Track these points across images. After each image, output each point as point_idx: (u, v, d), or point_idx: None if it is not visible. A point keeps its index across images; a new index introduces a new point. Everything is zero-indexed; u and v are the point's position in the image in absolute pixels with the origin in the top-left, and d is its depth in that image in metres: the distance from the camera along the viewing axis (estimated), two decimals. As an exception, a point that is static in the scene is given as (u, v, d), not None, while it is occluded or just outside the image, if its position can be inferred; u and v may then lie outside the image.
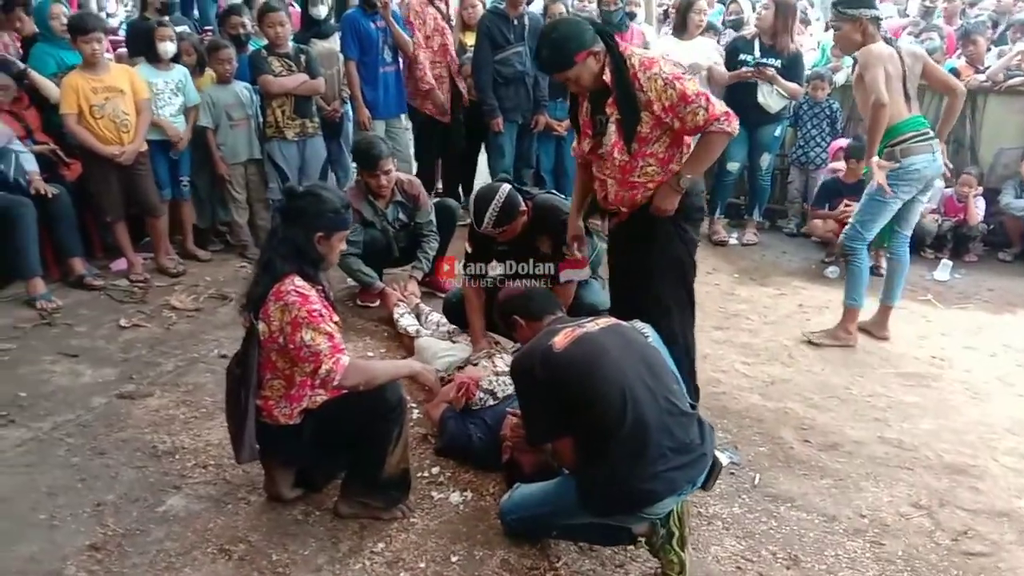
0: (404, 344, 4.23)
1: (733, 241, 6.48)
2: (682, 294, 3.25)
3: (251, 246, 5.67)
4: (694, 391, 3.33)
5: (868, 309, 4.67)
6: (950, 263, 5.93)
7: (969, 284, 5.72)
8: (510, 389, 3.22)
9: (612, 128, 3.01)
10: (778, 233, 6.82)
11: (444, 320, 4.23)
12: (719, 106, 2.93)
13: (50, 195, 4.72)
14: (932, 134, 4.29)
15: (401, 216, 4.74)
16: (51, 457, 3.19)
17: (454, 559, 2.68)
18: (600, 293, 3.89)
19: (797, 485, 3.15)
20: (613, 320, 2.74)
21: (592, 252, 3.81)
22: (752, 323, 4.82)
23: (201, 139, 5.43)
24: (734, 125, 2.96)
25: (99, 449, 3.25)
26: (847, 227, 4.49)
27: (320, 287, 2.70)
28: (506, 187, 3.52)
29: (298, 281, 2.59)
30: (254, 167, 5.58)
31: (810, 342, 4.49)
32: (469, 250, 3.85)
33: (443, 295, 4.88)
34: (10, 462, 3.17)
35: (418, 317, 4.38)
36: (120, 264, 5.29)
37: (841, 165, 6.19)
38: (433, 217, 4.85)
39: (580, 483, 2.53)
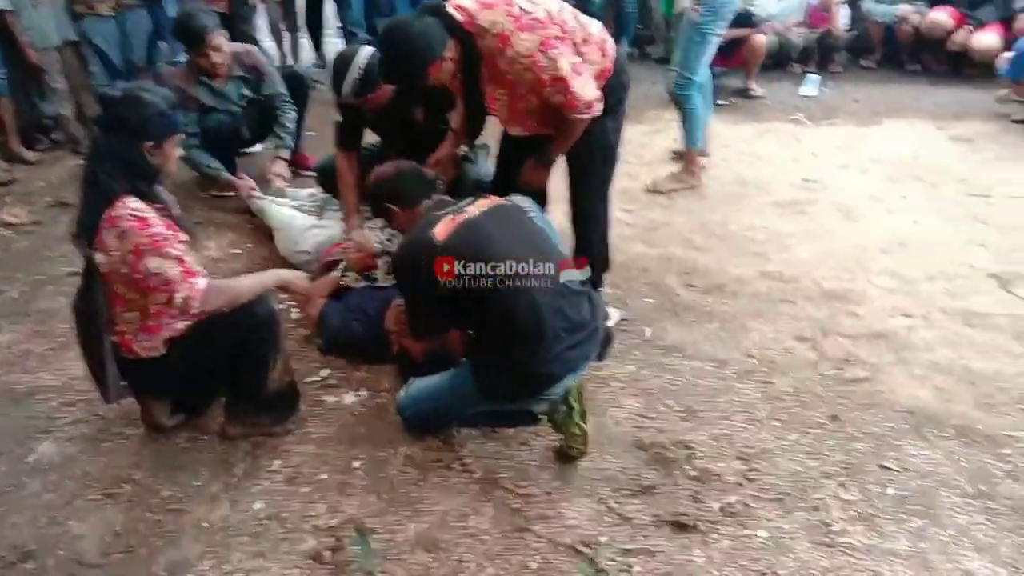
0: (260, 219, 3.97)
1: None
2: (609, 176, 3.08)
3: (82, 141, 5.11)
4: (607, 264, 3.25)
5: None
6: (817, 77, 5.98)
7: (836, 97, 5.81)
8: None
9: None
10: (647, 61, 6.69)
11: (316, 191, 3.95)
12: (581, 91, 2.65)
13: None
14: None
15: (245, 91, 4.29)
16: None
17: (356, 464, 2.60)
18: (485, 164, 3.66)
19: (687, 333, 3.20)
20: (493, 200, 2.58)
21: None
22: (630, 166, 4.73)
23: (3, 24, 4.71)
24: (594, 111, 2.71)
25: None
26: (674, 75, 4.34)
27: (160, 204, 2.41)
28: (367, 50, 3.17)
29: (132, 203, 2.29)
30: (70, 50, 4.94)
31: (656, 190, 4.45)
32: (340, 119, 3.54)
33: (311, 173, 4.57)
34: None
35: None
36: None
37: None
38: (283, 88, 4.39)
39: (477, 373, 2.47)
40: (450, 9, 2.61)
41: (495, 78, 2.71)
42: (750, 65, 5.81)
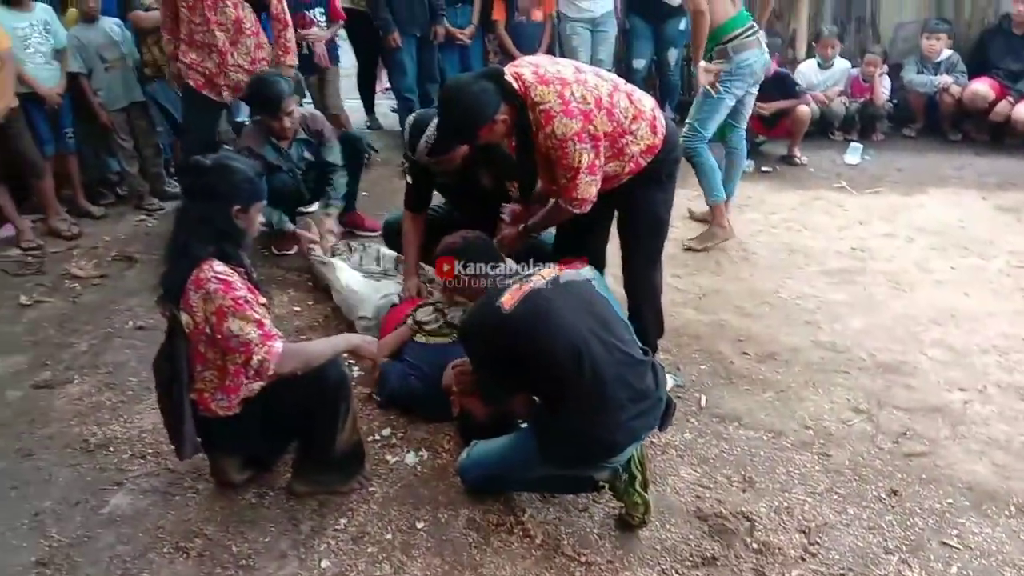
0: (322, 280, 4.08)
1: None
2: (659, 246, 3.20)
3: (146, 195, 5.32)
4: (660, 330, 3.34)
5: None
6: (860, 146, 6.05)
7: (879, 165, 5.87)
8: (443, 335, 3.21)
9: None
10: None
11: (383, 251, 4.07)
12: (582, 189, 2.81)
13: None
14: (757, 28, 4.37)
15: (307, 155, 4.46)
16: (-28, 466, 2.99)
17: (420, 525, 2.65)
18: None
19: (742, 402, 3.23)
20: (558, 269, 2.66)
21: None
22: (676, 230, 4.81)
23: (77, 86, 4.95)
24: (582, 208, 2.88)
25: (25, 450, 3.05)
26: (685, 127, 4.49)
27: (242, 268, 2.52)
28: None
29: (218, 266, 2.41)
30: (138, 110, 5.17)
31: (692, 249, 4.55)
32: (409, 180, 3.66)
33: (371, 234, 4.71)
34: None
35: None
36: (7, 231, 4.89)
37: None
38: (339, 156, 4.56)
39: (540, 438, 2.51)
40: (508, 76, 2.76)
41: (536, 145, 2.84)
42: (794, 134, 5.91)
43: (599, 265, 3.21)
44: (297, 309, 4.00)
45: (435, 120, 3.28)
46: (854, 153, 5.97)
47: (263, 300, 2.52)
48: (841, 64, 6.36)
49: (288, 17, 4.66)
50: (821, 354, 3.54)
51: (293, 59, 4.67)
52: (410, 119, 3.45)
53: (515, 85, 2.74)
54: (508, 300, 2.46)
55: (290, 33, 4.64)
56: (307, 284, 4.26)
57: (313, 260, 4.13)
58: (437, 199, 3.82)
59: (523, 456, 2.58)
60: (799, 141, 5.93)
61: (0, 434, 3.14)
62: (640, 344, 2.63)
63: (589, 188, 2.82)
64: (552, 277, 2.59)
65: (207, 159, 2.55)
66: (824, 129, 6.36)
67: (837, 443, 2.99)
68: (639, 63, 6.21)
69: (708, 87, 4.24)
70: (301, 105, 4.58)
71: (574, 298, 2.54)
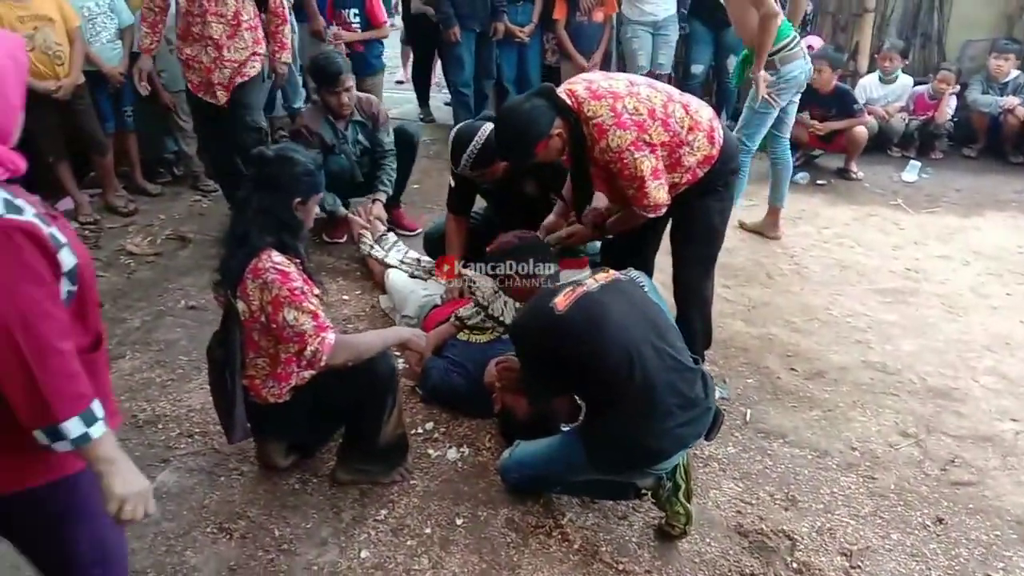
0: (377, 278, 4.11)
1: (701, 146, 6.37)
2: (712, 255, 3.19)
3: (202, 176, 5.40)
4: (708, 340, 3.32)
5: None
6: (918, 163, 5.94)
7: (936, 184, 5.75)
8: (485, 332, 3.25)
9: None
10: (745, 135, 6.74)
11: (424, 256, 4.08)
12: (653, 195, 2.79)
13: None
14: (799, 38, 4.34)
15: (361, 138, 4.49)
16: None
17: (459, 521, 2.67)
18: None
19: (788, 419, 3.19)
20: (611, 274, 2.65)
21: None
22: (728, 240, 4.73)
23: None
24: (657, 212, 2.86)
25: None
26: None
27: (299, 259, 2.55)
28: (488, 127, 3.31)
29: (276, 257, 2.43)
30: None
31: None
32: (452, 184, 3.68)
33: (408, 232, 4.74)
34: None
35: (384, 246, 4.23)
36: (66, 204, 5.00)
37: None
38: (392, 141, 4.59)
39: (587, 442, 2.50)
40: (561, 92, 2.79)
41: (593, 159, 2.85)
42: (850, 152, 5.81)
43: (647, 271, 3.21)
44: (346, 298, 4.03)
45: (479, 134, 3.29)
46: (912, 171, 5.86)
47: (317, 291, 2.55)
48: (904, 80, 6.23)
49: (286, 12, 4.64)
50: (871, 375, 3.48)
51: (288, 56, 4.64)
52: (453, 133, 3.46)
53: (568, 101, 2.76)
54: (562, 302, 2.47)
55: (287, 29, 4.60)
56: (356, 273, 4.30)
57: (363, 249, 4.16)
58: (480, 203, 3.83)
59: (567, 459, 2.58)
60: (856, 157, 5.83)
61: (53, 404, 3.21)
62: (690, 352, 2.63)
63: (659, 193, 2.80)
64: (606, 281, 2.59)
65: (271, 150, 2.58)
66: (882, 145, 6.24)
67: (883, 466, 2.94)
68: (697, 68, 6.15)
69: (767, 97, 4.20)
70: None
71: (627, 302, 2.53)
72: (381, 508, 2.72)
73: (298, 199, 2.51)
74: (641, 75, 5.74)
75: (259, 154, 2.56)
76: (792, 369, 3.52)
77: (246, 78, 4.44)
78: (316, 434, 2.85)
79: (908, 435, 3.11)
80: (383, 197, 4.50)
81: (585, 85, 2.80)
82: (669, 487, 2.53)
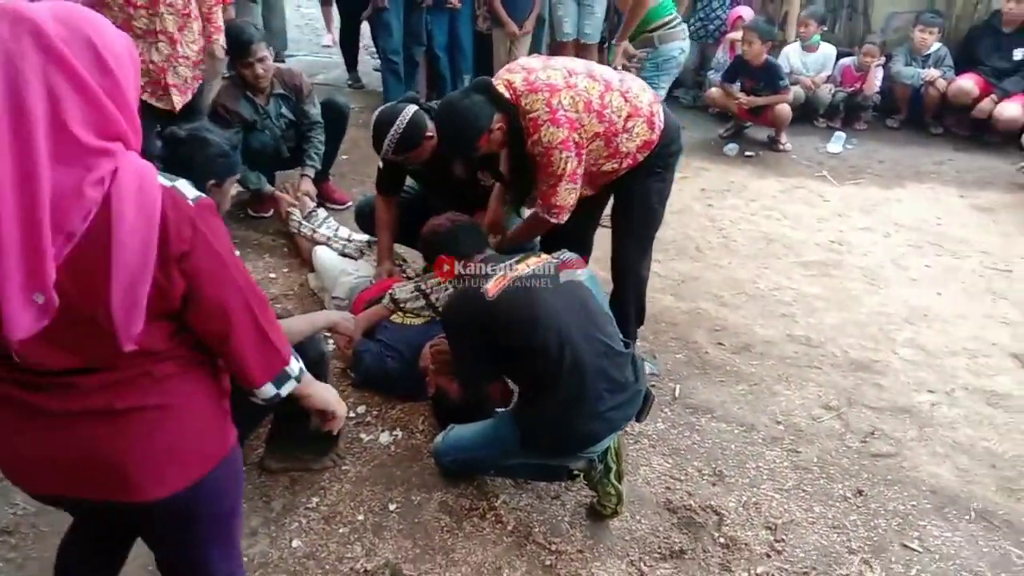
0: (305, 255, 4.02)
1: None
2: (650, 235, 3.20)
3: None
4: (641, 319, 3.35)
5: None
6: (843, 135, 6.07)
7: (861, 155, 5.89)
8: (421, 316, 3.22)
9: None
10: (674, 104, 6.76)
11: (356, 234, 3.99)
12: (562, 196, 2.82)
13: None
14: (680, 19, 4.39)
15: (284, 111, 4.33)
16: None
17: (392, 507, 2.66)
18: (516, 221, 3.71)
19: (715, 394, 3.26)
20: (543, 259, 2.65)
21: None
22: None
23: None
24: (560, 218, 2.88)
25: None
26: None
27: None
28: (410, 109, 3.22)
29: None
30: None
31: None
32: (380, 165, 3.60)
33: (338, 206, 4.64)
34: None
35: (313, 222, 4.13)
36: None
37: (738, 35, 6.10)
38: (318, 113, 4.44)
39: (520, 427, 2.51)
40: (499, 83, 2.77)
41: (526, 151, 2.84)
42: (777, 126, 5.90)
43: (586, 250, 3.22)
44: (273, 276, 3.94)
45: (400, 118, 3.20)
46: (837, 142, 5.99)
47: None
48: (826, 49, 6.34)
49: None
50: (795, 348, 3.57)
51: (224, 39, 4.19)
52: (374, 117, 3.37)
53: (506, 94, 2.74)
54: (493, 288, 2.46)
55: (220, 9, 4.20)
56: (283, 250, 4.20)
57: (291, 226, 4.06)
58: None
59: (500, 443, 2.58)
60: (784, 130, 5.92)
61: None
62: (621, 335, 2.65)
63: (569, 196, 2.83)
64: (537, 266, 2.58)
65: (183, 130, 2.48)
66: (808, 115, 6.36)
67: (807, 440, 3.03)
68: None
69: (621, 68, 4.14)
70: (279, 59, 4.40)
71: (557, 288, 2.53)
72: (312, 496, 2.69)
73: (212, 181, 2.42)
74: (568, 40, 5.75)
75: (171, 134, 2.46)
76: (719, 344, 3.59)
77: (201, 80, 4.14)
78: (242, 421, 2.77)
79: (830, 408, 3.21)
80: (311, 172, 4.37)
81: (523, 76, 2.77)
82: (601, 469, 2.56)
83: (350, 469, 2.80)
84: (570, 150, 2.74)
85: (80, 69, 1.17)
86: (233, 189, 2.58)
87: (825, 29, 6.47)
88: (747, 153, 5.85)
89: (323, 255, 3.80)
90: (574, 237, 3.04)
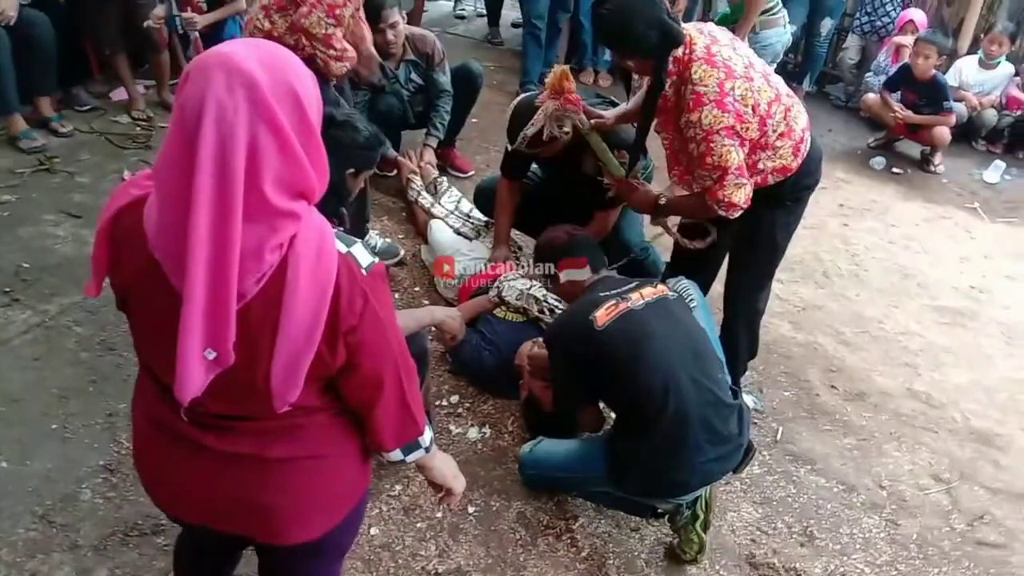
0: (420, 226, 4.01)
1: (776, 113, 6.04)
2: (771, 271, 3.02)
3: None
4: (753, 354, 3.19)
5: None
6: (1003, 163, 5.59)
7: (1019, 190, 5.42)
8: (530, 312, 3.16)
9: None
10: (825, 102, 6.41)
11: (476, 210, 3.94)
12: (730, 191, 2.52)
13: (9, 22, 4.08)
14: (781, 5, 4.24)
15: (414, 77, 4.29)
16: (59, 350, 3.08)
17: (471, 509, 2.66)
18: (636, 226, 3.57)
19: (820, 443, 3.10)
20: (659, 290, 2.54)
21: (645, 171, 3.47)
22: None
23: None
24: (730, 213, 2.59)
25: (109, 343, 3.13)
26: None
27: (341, 226, 2.47)
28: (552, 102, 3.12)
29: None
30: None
31: None
32: (509, 147, 3.52)
33: (460, 174, 4.60)
34: (18, 352, 3.06)
35: (435, 192, 4.12)
36: (121, 94, 4.93)
37: (906, 40, 5.66)
38: (448, 82, 4.36)
39: (610, 460, 2.45)
40: (686, 30, 2.50)
41: (670, 118, 2.64)
42: (934, 146, 5.47)
43: (707, 283, 3.05)
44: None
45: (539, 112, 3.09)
46: (995, 171, 5.52)
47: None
48: (1006, 68, 5.81)
49: None
50: (913, 405, 3.35)
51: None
52: (512, 105, 3.26)
53: (680, 51, 2.49)
54: (603, 316, 2.38)
55: None
56: (401, 214, 4.19)
57: (410, 194, 4.04)
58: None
59: (587, 470, 2.53)
60: (940, 151, 5.49)
61: (88, 321, 3.21)
62: (729, 375, 2.53)
63: (738, 192, 2.54)
64: (652, 298, 2.48)
65: (339, 114, 2.48)
66: (968, 135, 5.88)
67: (909, 512, 2.86)
68: (790, 28, 5.76)
69: None
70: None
71: (671, 325, 2.43)
72: (396, 483, 2.71)
73: (351, 170, 2.42)
74: (715, 21, 5.46)
75: (328, 114, 2.46)
76: (833, 387, 3.40)
77: None
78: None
79: (940, 480, 3.01)
80: (433, 142, 4.34)
81: (707, 43, 2.51)
82: (687, 515, 2.48)
83: (435, 461, 2.81)
84: (733, 139, 2.48)
85: (285, 125, 1.13)
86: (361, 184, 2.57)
87: (1014, 49, 5.92)
88: (894, 169, 5.47)
89: (439, 231, 3.77)
90: (701, 269, 2.92)
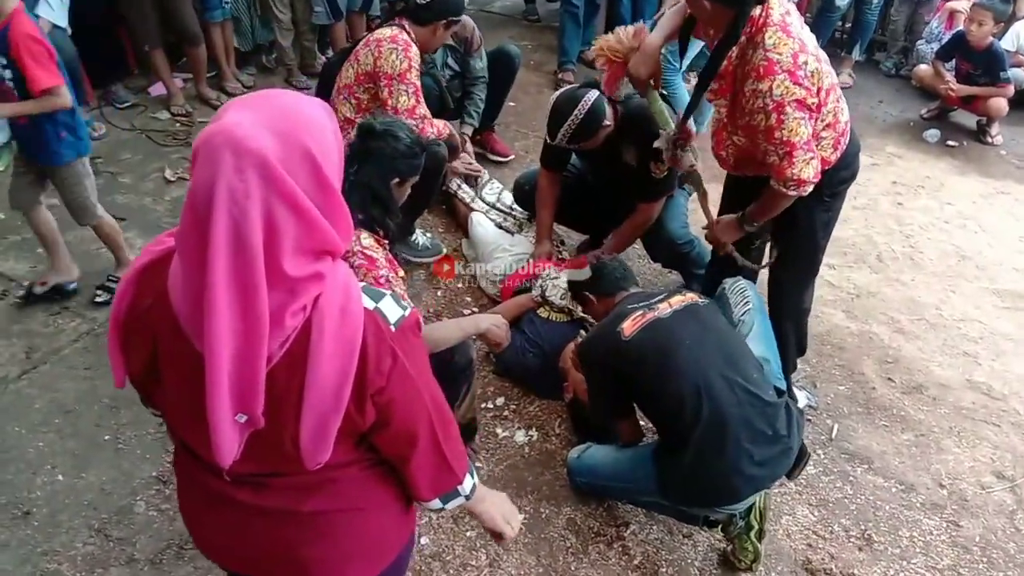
0: (461, 219, 3.96)
1: (825, 83, 5.83)
2: (814, 270, 2.92)
3: (295, 70, 5.25)
4: (802, 351, 3.10)
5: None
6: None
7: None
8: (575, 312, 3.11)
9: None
10: (875, 71, 6.16)
11: (515, 204, 3.87)
12: (799, 167, 2.37)
13: None
14: None
15: (451, 63, 4.20)
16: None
17: (520, 517, 2.61)
18: (681, 217, 3.44)
19: (876, 440, 3.01)
20: (688, 297, 2.49)
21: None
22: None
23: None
24: (801, 191, 2.44)
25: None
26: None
27: (387, 237, 2.44)
28: (591, 96, 3.01)
29: (365, 239, 2.31)
30: (300, -14, 4.96)
31: None
32: (548, 139, 3.44)
33: (501, 158, 4.53)
34: (69, 362, 3.11)
35: (476, 185, 4.06)
36: (159, 89, 4.94)
37: (961, 5, 5.40)
38: (484, 68, 4.24)
39: (659, 473, 2.41)
40: None
41: (729, 83, 2.49)
42: (991, 117, 5.22)
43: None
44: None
45: (580, 106, 3.00)
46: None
47: (402, 273, 2.45)
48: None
49: None
50: (973, 397, 3.24)
51: None
52: (552, 100, 3.17)
53: (758, 10, 2.33)
54: (629, 327, 2.37)
55: None
56: (441, 207, 4.13)
57: (450, 186, 3.98)
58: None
59: (636, 481, 2.50)
60: (996, 122, 5.25)
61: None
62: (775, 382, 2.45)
63: (808, 168, 2.38)
64: (679, 306, 2.44)
65: (379, 123, 2.43)
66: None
67: (971, 512, 2.77)
68: (841, 2, 5.54)
69: None
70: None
71: (700, 330, 2.39)
72: (444, 491, 2.70)
73: (396, 179, 2.38)
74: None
75: (367, 125, 2.42)
76: (889, 379, 3.30)
77: None
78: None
79: (1003, 477, 2.91)
80: (469, 131, 4.26)
81: (783, 11, 2.37)
82: (741, 525, 2.43)
83: (483, 467, 2.80)
84: (804, 112, 2.34)
85: (300, 195, 1.08)
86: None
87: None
88: (949, 142, 5.24)
89: (480, 225, 3.73)
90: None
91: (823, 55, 2.45)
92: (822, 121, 2.48)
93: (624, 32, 2.78)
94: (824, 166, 2.53)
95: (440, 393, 1.38)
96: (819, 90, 2.38)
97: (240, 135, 1.06)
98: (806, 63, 2.32)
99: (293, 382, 1.16)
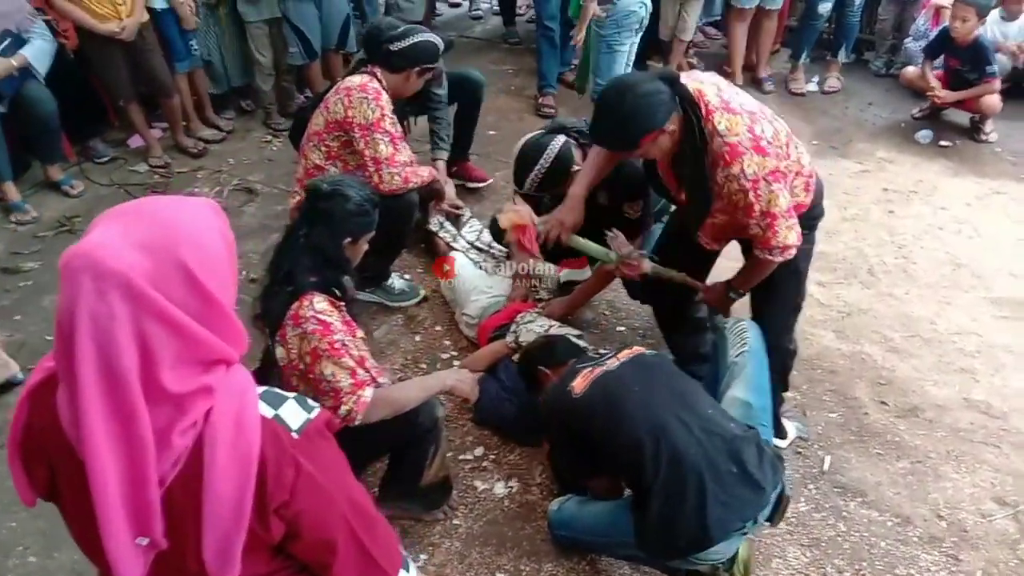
0: (440, 252, 3.88)
1: (813, 88, 5.74)
2: (798, 306, 2.85)
3: (274, 113, 5.21)
4: (784, 388, 3.00)
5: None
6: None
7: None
8: None
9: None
10: (864, 72, 6.05)
11: (495, 243, 3.77)
12: (783, 235, 2.37)
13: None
14: None
15: None
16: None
17: (499, 575, 2.56)
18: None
19: (870, 470, 2.90)
20: (635, 350, 2.46)
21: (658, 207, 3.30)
22: (829, 218, 4.28)
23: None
24: (787, 256, 2.44)
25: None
26: (590, 84, 4.87)
27: (343, 302, 2.37)
28: (556, 143, 2.94)
29: (318, 304, 2.25)
30: (277, 27, 4.90)
31: None
32: (516, 188, 3.36)
33: (479, 184, 4.45)
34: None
35: (456, 222, 3.98)
36: (138, 140, 4.93)
37: (946, 1, 5.27)
38: (446, 90, 4.06)
39: (634, 525, 2.31)
40: (689, 86, 2.34)
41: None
42: (983, 114, 5.08)
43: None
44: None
45: (546, 153, 2.96)
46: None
47: (361, 334, 2.39)
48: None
49: None
50: (971, 417, 3.12)
51: None
52: (518, 146, 3.09)
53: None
54: (579, 384, 2.33)
55: None
56: (420, 246, 4.05)
57: (432, 225, 3.89)
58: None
59: (616, 535, 2.39)
60: (989, 120, 5.10)
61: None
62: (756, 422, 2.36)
63: (791, 233, 2.39)
64: (627, 358, 2.41)
65: (326, 183, 2.37)
66: (1018, 93, 5.41)
67: (972, 544, 2.66)
68: (824, 7, 5.40)
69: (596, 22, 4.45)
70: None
71: (649, 377, 2.35)
72: (421, 552, 2.63)
73: (348, 239, 2.33)
74: (749, 7, 5.18)
75: (313, 187, 2.37)
76: (883, 403, 3.19)
77: None
78: (358, 456, 2.72)
79: (1005, 503, 2.79)
80: (443, 156, 4.09)
81: (716, 91, 2.37)
82: (725, 577, 2.33)
83: (461, 524, 2.72)
84: (779, 181, 2.33)
85: (171, 310, 1.04)
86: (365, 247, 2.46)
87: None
88: (942, 142, 5.10)
89: (459, 267, 3.65)
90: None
91: (764, 109, 2.46)
92: (791, 171, 2.44)
93: (511, 205, 3.02)
94: (801, 210, 2.52)
95: (360, 492, 1.31)
96: (785, 144, 2.40)
97: (99, 256, 1.02)
98: (763, 131, 2.34)
99: (191, 500, 1.11)
